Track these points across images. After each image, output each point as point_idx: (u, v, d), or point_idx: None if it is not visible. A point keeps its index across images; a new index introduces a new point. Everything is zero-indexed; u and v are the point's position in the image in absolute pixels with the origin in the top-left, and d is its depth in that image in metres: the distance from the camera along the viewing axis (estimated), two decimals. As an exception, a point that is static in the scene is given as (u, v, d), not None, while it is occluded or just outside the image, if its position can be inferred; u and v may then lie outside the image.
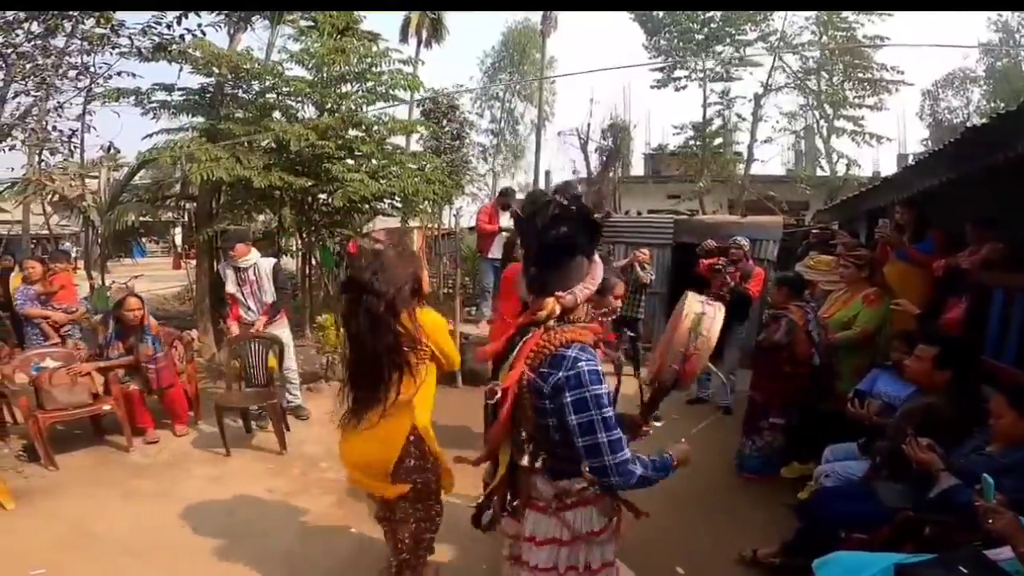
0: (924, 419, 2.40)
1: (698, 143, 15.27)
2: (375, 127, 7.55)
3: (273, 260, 4.56)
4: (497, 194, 6.25)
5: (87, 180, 6.35)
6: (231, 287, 4.31)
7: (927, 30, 31.67)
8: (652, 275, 6.00)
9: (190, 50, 5.96)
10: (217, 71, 6.32)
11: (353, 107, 7.40)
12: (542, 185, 14.90)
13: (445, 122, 12.90)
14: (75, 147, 5.54)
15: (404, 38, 19.52)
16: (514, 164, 21.96)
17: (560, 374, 1.33)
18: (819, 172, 15.26)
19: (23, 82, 4.59)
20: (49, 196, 7.07)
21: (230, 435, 4.09)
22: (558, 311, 1.40)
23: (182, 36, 5.61)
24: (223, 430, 4.02)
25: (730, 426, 4.50)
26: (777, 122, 15.32)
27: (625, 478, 1.37)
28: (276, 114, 7.17)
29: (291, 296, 8.15)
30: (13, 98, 4.63)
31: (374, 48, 7.25)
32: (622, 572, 1.70)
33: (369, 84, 7.37)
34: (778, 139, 15.56)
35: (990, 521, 1.55)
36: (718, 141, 15.47)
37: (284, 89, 7.03)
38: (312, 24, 7.03)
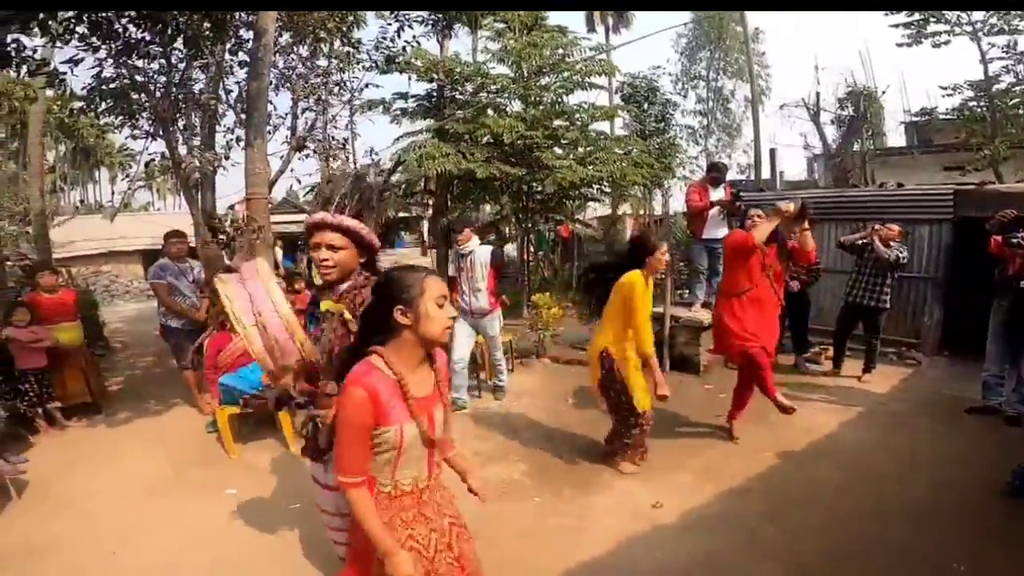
0: None
1: (983, 104, 11.84)
2: (577, 115, 7.67)
3: (490, 248, 4.56)
4: (707, 170, 5.75)
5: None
6: (452, 271, 4.75)
7: None
8: (902, 253, 4.75)
9: (412, 60, 6.85)
10: (436, 76, 7.16)
11: (554, 97, 7.66)
12: (766, 166, 13.28)
13: (647, 105, 12.42)
14: (349, 154, 6.88)
15: (592, 27, 19.38)
16: (730, 144, 19.99)
17: None
18: None
19: (306, 100, 5.82)
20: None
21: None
22: None
23: (404, 48, 6.49)
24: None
25: (1015, 438, 3.48)
26: (1105, 74, 10.96)
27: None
28: (489, 111, 7.83)
29: (515, 281, 8.82)
30: (301, 114, 5.89)
31: (563, 39, 7.40)
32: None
33: (565, 74, 7.53)
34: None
35: None
36: (1014, 101, 11.76)
37: (492, 87, 7.62)
38: (504, 24, 7.51)
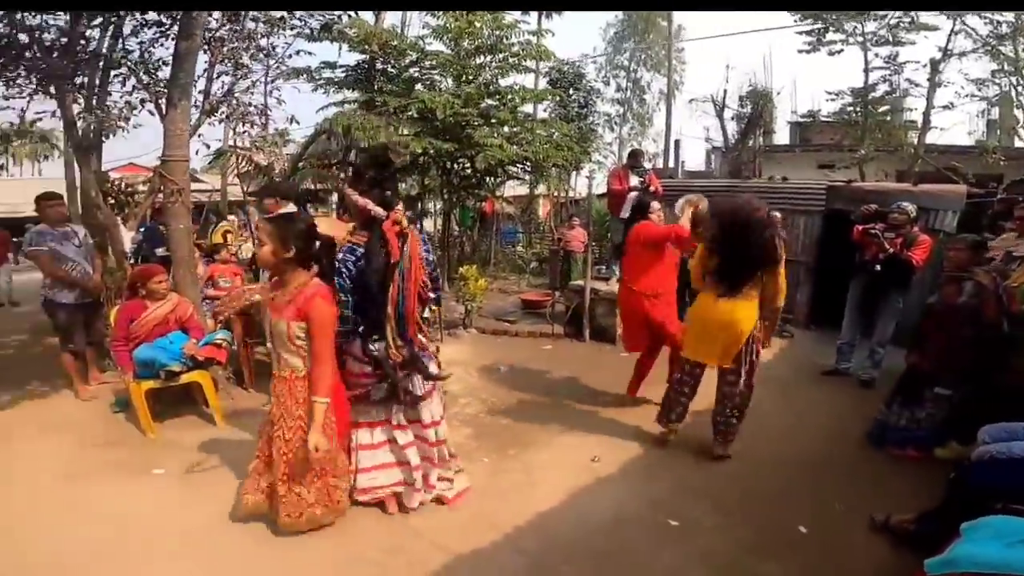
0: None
1: (858, 109, 13.50)
2: (508, 96, 7.86)
3: None
4: (627, 156, 6.27)
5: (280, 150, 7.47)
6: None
7: None
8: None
9: (347, 29, 6.66)
10: (369, 48, 7.00)
11: (489, 77, 7.77)
12: (671, 154, 14.33)
13: (572, 91, 12.90)
14: (265, 120, 6.51)
15: (526, 11, 19.45)
16: (642, 133, 21.25)
17: None
18: (1018, 143, 12.76)
19: (223, 63, 5.44)
20: (244, 165, 8.34)
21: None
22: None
23: (340, 16, 6.25)
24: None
25: (869, 398, 4.21)
26: (962, 88, 12.91)
27: None
28: (418, 86, 7.79)
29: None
30: (217, 78, 5.50)
31: (502, 21, 7.54)
32: None
33: (501, 56, 7.67)
34: (963, 107, 13.09)
35: None
36: (884, 108, 13.51)
37: (427, 63, 7.59)
38: None
